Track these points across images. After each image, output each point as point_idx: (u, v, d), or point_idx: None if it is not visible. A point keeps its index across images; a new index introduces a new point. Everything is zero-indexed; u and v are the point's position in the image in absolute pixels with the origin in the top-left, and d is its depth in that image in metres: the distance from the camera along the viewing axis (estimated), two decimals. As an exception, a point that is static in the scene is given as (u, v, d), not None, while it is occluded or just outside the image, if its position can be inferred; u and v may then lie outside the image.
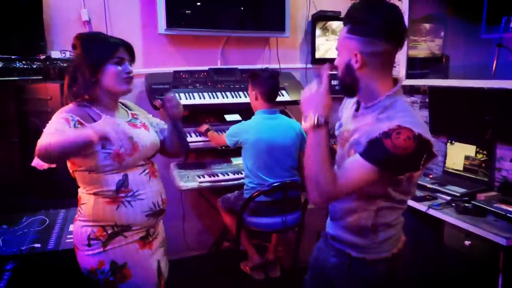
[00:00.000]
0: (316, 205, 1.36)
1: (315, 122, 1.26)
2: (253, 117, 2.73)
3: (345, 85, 1.38)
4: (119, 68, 1.58)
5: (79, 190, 1.63)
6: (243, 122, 2.73)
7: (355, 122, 1.41)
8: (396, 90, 1.34)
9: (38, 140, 1.40)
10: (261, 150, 2.59)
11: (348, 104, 1.53)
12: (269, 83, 2.66)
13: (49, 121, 1.51)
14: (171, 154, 1.91)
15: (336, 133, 1.53)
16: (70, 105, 1.58)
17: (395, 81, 1.38)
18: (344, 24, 1.34)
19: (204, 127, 2.96)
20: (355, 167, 1.27)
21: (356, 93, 1.39)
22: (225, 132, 2.82)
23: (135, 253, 1.61)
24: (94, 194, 1.56)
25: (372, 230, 1.41)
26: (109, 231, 1.56)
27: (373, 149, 1.24)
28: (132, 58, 1.66)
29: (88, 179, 1.56)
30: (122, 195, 1.56)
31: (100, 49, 1.57)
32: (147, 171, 1.65)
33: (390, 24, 1.28)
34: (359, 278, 1.45)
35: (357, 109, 1.43)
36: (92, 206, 1.56)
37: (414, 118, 1.28)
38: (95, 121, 1.52)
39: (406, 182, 1.35)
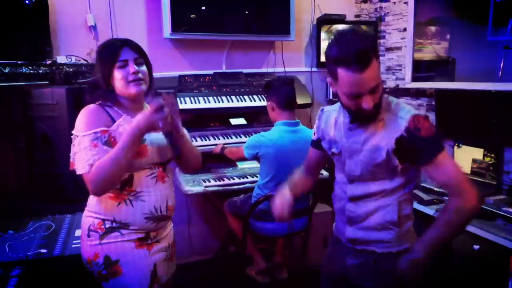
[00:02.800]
0: (478, 208, 1.41)
1: None
2: (273, 128, 2.65)
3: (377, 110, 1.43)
4: (123, 71, 1.56)
5: None
6: (262, 133, 2.63)
7: (358, 134, 1.48)
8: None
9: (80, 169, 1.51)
10: (282, 161, 2.51)
11: (330, 124, 1.60)
12: (283, 91, 2.58)
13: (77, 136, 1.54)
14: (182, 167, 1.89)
15: (334, 150, 1.58)
16: (92, 106, 1.59)
17: None
18: (370, 60, 1.31)
19: (219, 147, 2.93)
20: (446, 167, 1.37)
21: None
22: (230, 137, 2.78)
23: (129, 251, 1.60)
24: None
25: (398, 223, 1.49)
26: (107, 225, 1.58)
27: (428, 147, 1.36)
28: (140, 56, 1.61)
29: None
30: (124, 192, 1.58)
31: (104, 57, 1.58)
32: (155, 174, 1.64)
33: None
34: (386, 271, 1.50)
35: (351, 122, 1.49)
36: (95, 199, 1.60)
37: (408, 106, 1.46)
38: (114, 121, 1.57)
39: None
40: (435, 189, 2.69)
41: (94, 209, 1.61)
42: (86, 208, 1.66)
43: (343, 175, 1.58)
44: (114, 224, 1.59)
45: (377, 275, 1.53)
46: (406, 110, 1.42)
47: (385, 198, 1.49)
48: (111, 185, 1.52)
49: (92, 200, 1.63)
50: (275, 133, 2.58)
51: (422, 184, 2.82)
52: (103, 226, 1.59)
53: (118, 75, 1.56)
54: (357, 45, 1.29)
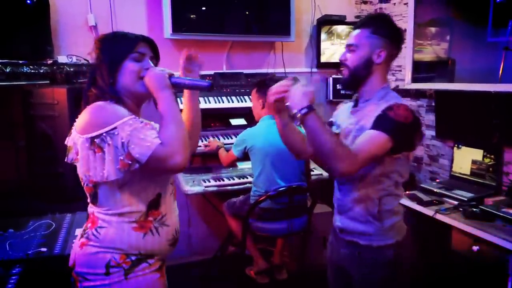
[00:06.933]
0: (347, 174, 1.43)
1: (309, 110, 1.38)
2: (258, 124, 2.71)
3: (356, 77, 1.58)
4: (137, 65, 1.36)
5: (94, 209, 1.38)
6: (248, 129, 2.71)
7: (355, 116, 1.61)
8: (388, 84, 1.61)
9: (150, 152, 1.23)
10: (270, 154, 2.57)
11: (342, 111, 1.75)
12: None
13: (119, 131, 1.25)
14: None
15: (335, 130, 1.72)
16: (104, 102, 1.32)
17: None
18: (363, 27, 1.57)
19: (215, 143, 2.96)
20: (369, 138, 1.44)
21: (361, 86, 1.60)
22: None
23: (156, 283, 1.41)
24: (119, 215, 1.34)
25: (378, 217, 1.56)
26: (133, 258, 1.35)
27: (381, 121, 1.45)
28: (155, 56, 1.45)
29: (115, 196, 1.33)
30: (150, 218, 1.37)
31: (117, 44, 1.37)
32: (172, 191, 1.47)
33: (401, 34, 1.61)
34: (368, 263, 1.59)
35: (355, 106, 1.64)
36: (114, 232, 1.33)
37: (402, 100, 1.56)
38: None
39: (404, 161, 1.55)
40: (435, 190, 2.69)
41: (112, 244, 1.33)
42: (89, 243, 1.35)
43: None
44: (140, 256, 1.36)
45: (362, 267, 1.60)
46: (394, 99, 1.52)
47: (367, 188, 1.55)
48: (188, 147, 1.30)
49: (105, 233, 1.33)
50: (260, 125, 2.66)
51: (422, 185, 2.83)
52: (128, 260, 1.34)
53: (131, 67, 1.35)
54: None
